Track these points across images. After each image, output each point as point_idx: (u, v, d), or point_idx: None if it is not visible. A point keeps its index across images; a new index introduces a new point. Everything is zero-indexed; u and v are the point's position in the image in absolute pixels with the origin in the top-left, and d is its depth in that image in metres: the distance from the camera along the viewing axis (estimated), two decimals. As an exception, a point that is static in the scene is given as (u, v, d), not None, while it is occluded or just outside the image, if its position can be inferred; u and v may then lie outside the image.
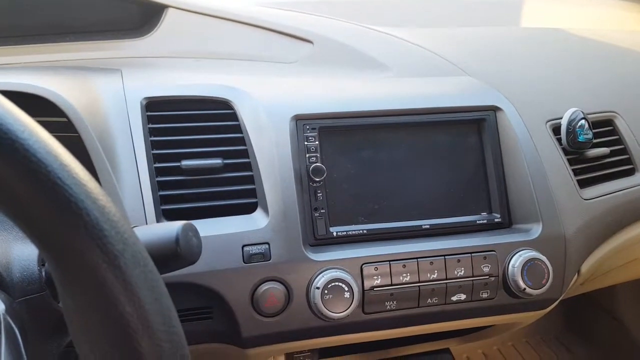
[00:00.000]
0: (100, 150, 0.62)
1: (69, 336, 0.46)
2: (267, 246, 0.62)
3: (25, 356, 0.37)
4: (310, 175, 0.66)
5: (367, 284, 0.65)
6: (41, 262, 0.45)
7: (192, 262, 0.41)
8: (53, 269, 0.28)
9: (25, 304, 0.43)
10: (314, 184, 0.67)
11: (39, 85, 0.63)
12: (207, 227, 0.62)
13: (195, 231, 0.42)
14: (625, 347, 1.28)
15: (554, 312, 0.78)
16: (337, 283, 0.62)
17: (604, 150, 0.81)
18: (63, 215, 0.26)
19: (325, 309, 0.61)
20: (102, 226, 0.26)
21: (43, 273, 0.45)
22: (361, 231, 0.68)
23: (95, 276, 0.26)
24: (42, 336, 0.43)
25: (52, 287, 0.45)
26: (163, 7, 0.86)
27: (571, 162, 0.78)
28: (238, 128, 0.68)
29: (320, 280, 0.62)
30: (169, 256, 0.39)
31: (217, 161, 0.66)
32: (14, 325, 0.38)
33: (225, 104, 0.70)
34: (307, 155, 0.67)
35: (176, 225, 0.40)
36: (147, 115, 0.67)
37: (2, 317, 0.38)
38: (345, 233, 0.68)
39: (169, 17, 0.86)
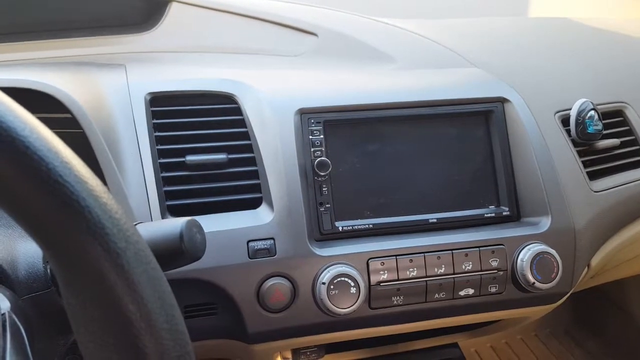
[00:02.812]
0: (104, 146, 0.62)
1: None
2: (272, 241, 0.62)
3: (30, 354, 0.37)
4: (316, 169, 0.65)
5: (374, 279, 0.64)
6: (46, 259, 0.45)
7: (197, 259, 0.41)
8: (55, 268, 0.27)
9: (31, 301, 0.43)
10: (319, 179, 0.66)
11: (42, 81, 0.63)
12: (212, 223, 0.62)
13: (199, 227, 0.41)
14: (635, 340, 1.27)
15: (563, 305, 0.77)
16: (343, 278, 0.61)
17: (614, 141, 0.79)
18: (65, 213, 0.25)
19: (331, 305, 0.61)
20: (104, 224, 0.26)
21: (48, 270, 0.45)
22: (367, 225, 0.67)
23: (97, 275, 0.26)
24: (48, 333, 0.43)
25: (58, 284, 0.45)
26: (167, 1, 0.86)
27: (580, 153, 0.76)
28: (242, 122, 0.68)
29: (326, 276, 0.61)
30: (173, 253, 0.39)
31: (222, 156, 0.65)
32: (19, 323, 0.38)
33: (229, 98, 0.70)
34: (312, 150, 0.67)
35: (180, 222, 0.40)
36: (152, 111, 0.67)
37: (7, 315, 0.37)
38: (351, 227, 0.67)
39: (172, 11, 0.86)
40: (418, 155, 0.71)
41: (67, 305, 0.28)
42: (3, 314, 0.38)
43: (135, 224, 0.41)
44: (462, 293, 0.67)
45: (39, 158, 0.25)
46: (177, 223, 0.40)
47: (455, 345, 0.98)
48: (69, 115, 0.63)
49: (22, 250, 0.45)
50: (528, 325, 1.32)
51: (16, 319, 0.38)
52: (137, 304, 0.26)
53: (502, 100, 0.73)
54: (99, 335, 0.27)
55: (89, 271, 0.26)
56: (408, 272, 0.65)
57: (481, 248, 0.67)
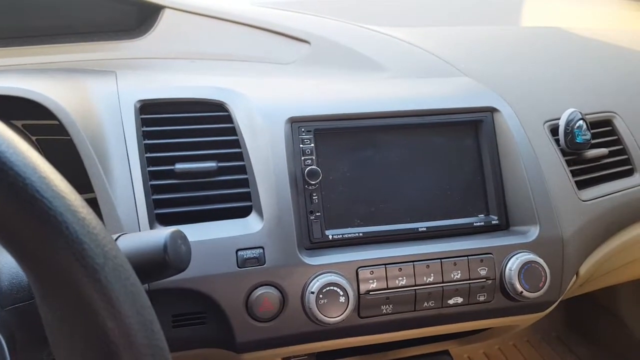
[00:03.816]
0: (92, 154, 0.61)
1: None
2: (261, 250, 0.62)
3: (11, 366, 0.37)
4: (306, 178, 0.65)
5: (363, 287, 0.64)
6: (25, 274, 0.45)
7: (181, 270, 0.40)
8: (32, 283, 0.27)
9: (15, 311, 0.43)
10: (310, 187, 0.66)
11: (30, 88, 0.63)
12: (200, 232, 0.61)
13: (184, 238, 0.41)
14: (626, 346, 1.28)
15: (555, 311, 0.78)
16: (332, 287, 0.61)
17: (603, 150, 0.80)
18: (42, 228, 0.25)
19: (320, 314, 0.61)
20: (82, 239, 0.26)
21: (32, 280, 0.44)
22: (357, 234, 0.68)
23: (75, 290, 0.26)
24: (31, 345, 0.43)
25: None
26: (160, 8, 0.86)
27: (569, 163, 0.77)
28: (233, 130, 0.68)
29: (315, 285, 0.61)
30: (157, 265, 0.39)
31: (212, 164, 0.65)
32: (0, 335, 0.37)
33: (220, 106, 0.69)
34: (303, 158, 0.67)
35: (164, 233, 0.40)
36: (141, 118, 0.67)
37: (-12, 327, 0.37)
38: (341, 236, 0.67)
39: (165, 17, 0.86)
40: (408, 164, 0.71)
41: (44, 320, 0.28)
42: (-16, 326, 0.37)
43: (119, 235, 0.41)
44: (451, 302, 0.67)
45: (15, 173, 0.25)
46: (161, 234, 0.39)
47: (446, 352, 0.98)
48: (56, 122, 0.63)
49: (6, 260, 0.45)
50: (520, 331, 1.32)
51: (-3, 331, 0.38)
52: (115, 320, 0.26)
53: (492, 110, 0.74)
54: (77, 350, 0.27)
55: (67, 287, 0.26)
56: (397, 281, 0.65)
57: (470, 257, 0.67)
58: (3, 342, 0.37)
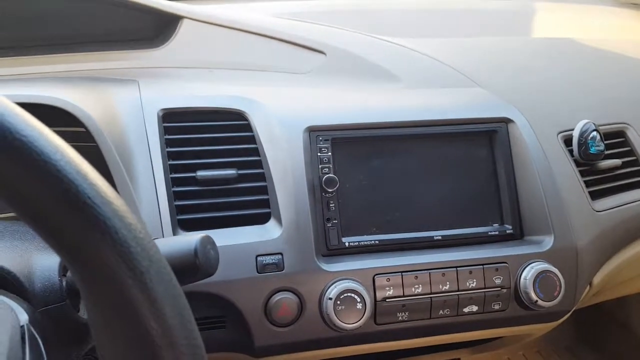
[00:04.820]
0: (118, 161, 0.63)
1: (88, 344, 0.47)
2: (280, 256, 0.63)
3: (48, 366, 0.38)
4: (323, 186, 0.67)
5: (379, 295, 0.65)
6: (62, 272, 0.46)
7: (210, 275, 0.42)
8: (80, 284, 0.28)
9: (46, 313, 0.44)
10: (327, 195, 0.68)
11: (58, 97, 0.65)
12: (221, 237, 0.63)
13: (213, 244, 0.43)
14: (636, 358, 1.27)
15: (566, 322, 0.78)
16: (349, 294, 0.62)
17: (616, 161, 0.81)
18: (92, 233, 0.27)
19: (337, 320, 0.62)
20: (129, 244, 0.27)
21: (64, 283, 0.46)
22: (373, 242, 0.69)
23: (121, 292, 0.27)
24: (62, 345, 0.44)
25: (73, 297, 0.46)
26: (178, 18, 0.88)
27: (583, 173, 0.78)
28: (252, 139, 0.69)
29: (333, 291, 0.62)
30: (188, 269, 0.40)
31: (232, 172, 0.67)
32: (37, 335, 0.39)
33: (239, 115, 0.71)
34: (320, 166, 0.68)
35: (195, 239, 0.41)
36: (164, 126, 0.68)
37: (25, 328, 0.39)
38: (357, 243, 0.68)
39: (184, 27, 0.88)
40: (423, 173, 0.72)
41: (89, 319, 0.30)
42: (22, 327, 0.39)
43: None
44: (466, 310, 0.68)
45: (69, 181, 0.26)
46: (191, 240, 0.41)
47: (457, 360, 0.98)
48: (83, 130, 0.65)
49: (38, 263, 0.47)
50: (530, 341, 1.32)
51: (34, 332, 0.39)
52: (158, 320, 0.28)
53: (506, 121, 0.75)
54: (121, 349, 0.28)
55: (113, 288, 0.27)
56: (413, 289, 0.66)
57: (485, 266, 0.68)
58: (40, 342, 0.39)
